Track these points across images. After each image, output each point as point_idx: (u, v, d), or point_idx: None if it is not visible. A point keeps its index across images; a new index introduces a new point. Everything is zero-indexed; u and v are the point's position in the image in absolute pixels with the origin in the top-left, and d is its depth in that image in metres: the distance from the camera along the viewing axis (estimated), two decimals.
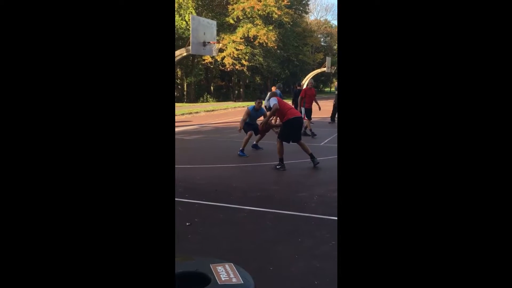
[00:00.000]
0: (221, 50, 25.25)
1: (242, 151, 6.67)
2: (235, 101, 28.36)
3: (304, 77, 26.42)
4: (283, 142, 5.63)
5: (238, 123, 7.03)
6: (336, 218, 3.37)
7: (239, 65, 26.62)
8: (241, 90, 31.85)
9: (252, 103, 7.24)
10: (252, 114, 6.95)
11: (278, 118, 6.60)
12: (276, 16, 27.09)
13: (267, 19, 27.74)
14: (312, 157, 5.66)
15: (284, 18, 28.31)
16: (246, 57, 26.53)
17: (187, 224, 3.32)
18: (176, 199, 4.07)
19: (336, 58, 42.23)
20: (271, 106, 5.63)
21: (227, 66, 26.53)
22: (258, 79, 32.98)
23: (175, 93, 29.19)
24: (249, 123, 7.02)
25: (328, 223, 3.37)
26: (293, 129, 5.57)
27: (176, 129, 10.93)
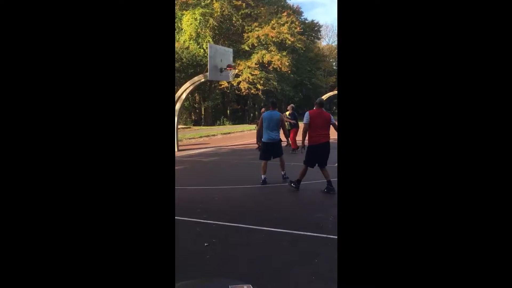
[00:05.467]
0: (237, 76, 25.65)
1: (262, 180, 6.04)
2: (250, 124, 28.53)
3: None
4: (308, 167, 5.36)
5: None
6: None
7: (254, 89, 26.92)
8: (256, 113, 32.09)
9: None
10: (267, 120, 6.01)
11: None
12: (289, 42, 27.49)
13: (280, 45, 28.16)
14: (330, 184, 5.25)
15: (297, 44, 28.69)
16: (261, 82, 26.85)
17: (206, 244, 3.29)
18: (194, 219, 4.05)
19: None
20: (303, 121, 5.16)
21: (243, 90, 26.87)
22: None
23: (193, 117, 29.61)
24: (266, 146, 6.05)
25: None
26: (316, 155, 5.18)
27: (194, 151, 11.01)
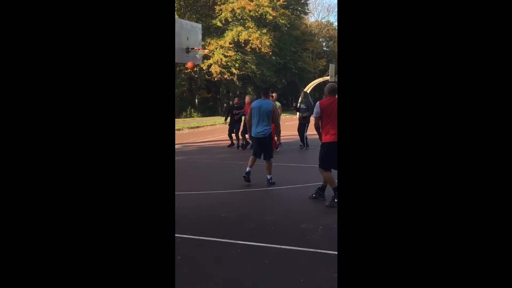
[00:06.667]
0: (207, 57, 25.50)
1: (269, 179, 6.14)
2: (223, 116, 28.50)
3: (304, 87, 26.79)
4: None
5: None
6: None
7: (228, 74, 26.85)
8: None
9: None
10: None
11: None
12: (270, 17, 27.54)
13: (260, 21, 28.18)
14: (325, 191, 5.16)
15: (280, 20, 28.79)
16: (236, 65, 26.80)
17: None
18: None
19: None
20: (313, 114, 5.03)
21: (214, 75, 26.75)
22: (250, 90, 33.25)
23: None
24: (254, 142, 6.30)
25: (335, 259, 3.30)
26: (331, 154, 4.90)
27: None
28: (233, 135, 10.73)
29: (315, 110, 5.09)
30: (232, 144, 10.80)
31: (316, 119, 5.07)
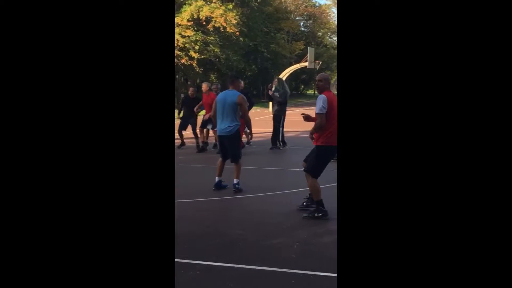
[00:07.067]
0: None
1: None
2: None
3: (279, 74, 26.98)
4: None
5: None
6: (326, 274, 3.37)
7: (186, 58, 26.70)
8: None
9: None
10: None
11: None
12: None
13: None
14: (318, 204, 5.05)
15: None
16: (196, 47, 26.69)
17: None
18: None
19: (321, 49, 43.44)
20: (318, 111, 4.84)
21: None
22: (213, 77, 33.19)
23: None
24: (219, 140, 6.36)
25: (315, 282, 3.36)
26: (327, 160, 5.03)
27: None
28: (185, 132, 10.65)
29: (321, 104, 4.87)
30: (183, 144, 10.71)
31: (323, 117, 4.86)
